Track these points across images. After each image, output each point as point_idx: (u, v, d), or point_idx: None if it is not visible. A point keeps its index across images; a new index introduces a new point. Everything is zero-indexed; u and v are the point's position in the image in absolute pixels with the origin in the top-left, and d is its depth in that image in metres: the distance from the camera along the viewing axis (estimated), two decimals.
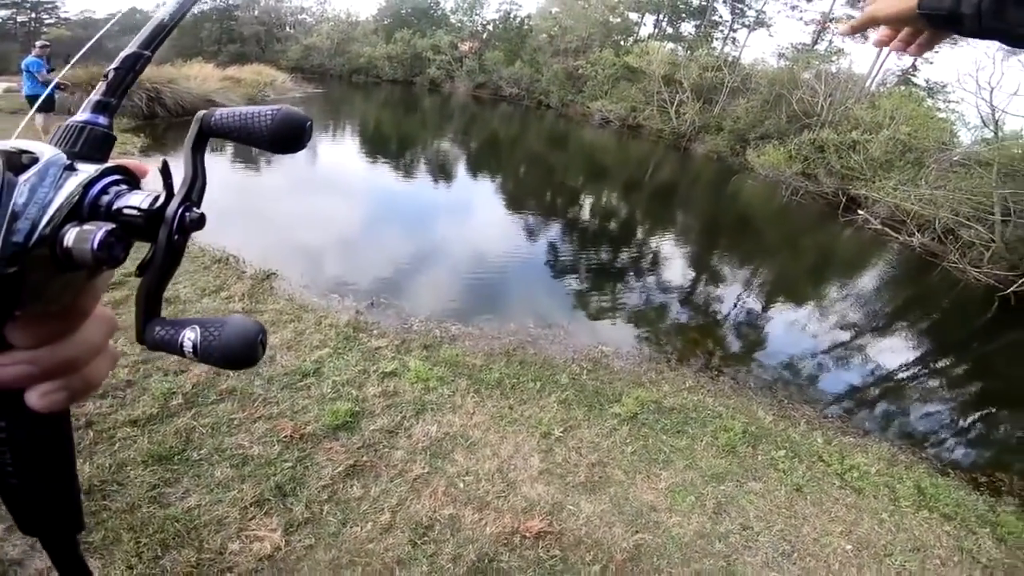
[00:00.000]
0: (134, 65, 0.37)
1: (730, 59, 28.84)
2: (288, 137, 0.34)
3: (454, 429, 3.18)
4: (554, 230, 9.87)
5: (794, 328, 7.74)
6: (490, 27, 36.67)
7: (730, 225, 13.82)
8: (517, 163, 16.97)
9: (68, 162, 0.30)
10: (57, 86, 6.90)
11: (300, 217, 7.62)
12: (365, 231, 7.87)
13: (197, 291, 4.24)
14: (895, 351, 7.77)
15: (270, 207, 8.07)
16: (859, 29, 0.59)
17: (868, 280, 11.83)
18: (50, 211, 0.28)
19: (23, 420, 0.32)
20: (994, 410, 6.57)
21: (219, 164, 9.82)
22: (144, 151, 9.12)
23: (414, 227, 8.50)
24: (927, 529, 3.25)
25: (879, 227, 14.79)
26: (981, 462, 4.91)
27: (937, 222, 13.33)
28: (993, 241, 12.07)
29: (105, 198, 0.31)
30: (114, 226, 0.28)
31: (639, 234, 11.35)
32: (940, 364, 7.99)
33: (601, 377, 4.23)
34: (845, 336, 7.92)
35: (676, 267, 9.31)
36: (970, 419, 6.06)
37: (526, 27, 35.36)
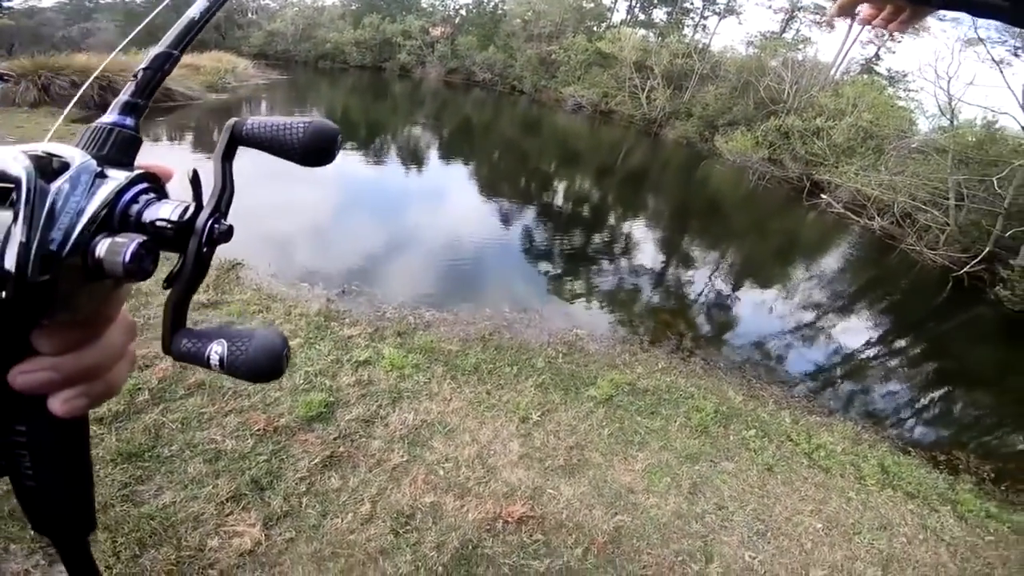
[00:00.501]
0: (163, 65, 0.37)
1: (700, 46, 29.12)
2: (320, 150, 0.34)
3: (431, 416, 3.17)
4: (528, 215, 9.90)
5: (762, 309, 8.02)
6: (463, 12, 36.00)
7: (699, 210, 14.11)
8: (490, 149, 16.84)
9: (99, 168, 0.30)
10: (0, 77, 6.46)
11: (267, 206, 7.25)
12: (335, 219, 7.67)
13: (158, 283, 4.06)
14: (856, 331, 8.13)
15: (235, 195, 7.77)
16: (846, 8, 0.60)
17: (831, 262, 12.32)
18: (83, 220, 0.28)
19: (44, 424, 0.32)
20: (950, 388, 6.98)
21: (178, 152, 9.40)
22: None
23: (386, 214, 8.37)
24: (892, 507, 3.42)
25: (841, 211, 15.35)
26: (939, 440, 5.20)
27: (896, 206, 13.91)
28: (948, 225, 12.69)
29: (135, 207, 0.31)
30: (145, 238, 0.29)
31: (611, 219, 11.46)
32: (898, 344, 8.40)
33: (576, 360, 4.29)
34: (809, 317, 8.25)
35: (648, 251, 9.48)
36: (927, 398, 6.41)
37: (500, 12, 34.85)
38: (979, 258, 11.31)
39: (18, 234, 0.26)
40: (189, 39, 0.39)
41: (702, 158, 21.39)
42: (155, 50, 0.38)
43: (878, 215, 14.54)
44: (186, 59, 15.99)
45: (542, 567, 2.42)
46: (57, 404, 0.31)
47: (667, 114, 26.16)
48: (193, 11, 0.39)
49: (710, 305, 7.43)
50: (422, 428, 3.06)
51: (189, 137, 10.34)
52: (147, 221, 0.30)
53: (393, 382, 3.41)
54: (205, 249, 0.32)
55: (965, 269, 11.33)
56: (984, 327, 9.98)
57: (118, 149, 0.33)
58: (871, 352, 7.52)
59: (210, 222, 0.32)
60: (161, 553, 2.02)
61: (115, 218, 0.30)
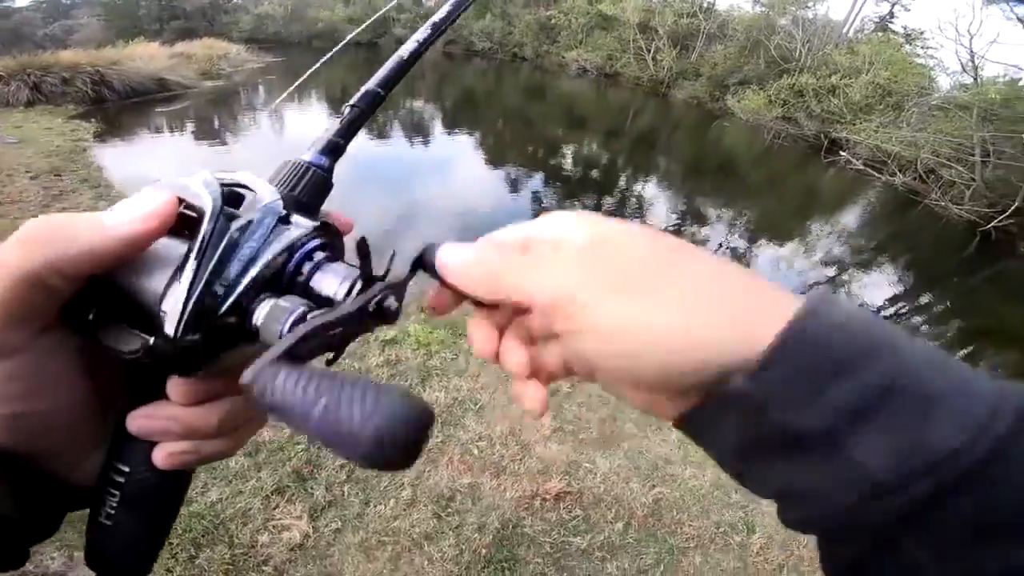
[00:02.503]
0: (372, 104, 0.38)
1: (705, 5, 27.99)
2: None
3: (462, 394, 3.13)
4: (537, 181, 9.77)
5: (782, 266, 7.95)
6: None
7: (713, 168, 13.81)
8: (495, 117, 16.45)
9: (284, 212, 0.27)
10: None
11: None
12: (345, 195, 7.41)
13: None
14: (881, 285, 7.99)
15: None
16: None
17: (852, 218, 12.10)
18: (251, 273, 0.25)
19: (146, 471, 0.29)
20: (984, 347, 6.81)
21: (185, 145, 9.29)
22: (99, 136, 8.41)
23: (396, 189, 8.22)
24: None
25: (861, 167, 14.96)
26: None
27: (919, 163, 13.47)
28: (974, 180, 12.30)
29: (307, 265, 0.27)
30: (308, 309, 0.25)
31: (623, 181, 11.22)
32: (925, 299, 8.21)
33: None
34: (832, 272, 8.13)
35: (662, 210, 9.42)
36: (959, 356, 6.24)
37: None
38: (1007, 213, 10.98)
39: (186, 280, 0.23)
40: (397, 80, 0.40)
41: (714, 118, 20.89)
42: (365, 87, 0.38)
43: (900, 171, 14.13)
44: (178, 47, 15.74)
45: (583, 543, 2.40)
46: (162, 455, 0.28)
47: (675, 75, 25.42)
48: (403, 51, 0.41)
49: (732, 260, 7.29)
50: (454, 407, 3.02)
51: (191, 128, 10.15)
52: (313, 288, 0.27)
53: (421, 360, 3.37)
54: (368, 324, 0.27)
55: (993, 223, 11.02)
56: (1014, 281, 9.71)
57: (310, 191, 0.32)
58: (898, 307, 7.38)
59: (380, 298, 0.27)
60: (216, 552, 2.02)
61: (285, 275, 0.27)
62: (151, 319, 0.24)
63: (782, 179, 14.52)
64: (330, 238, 0.30)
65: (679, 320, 0.22)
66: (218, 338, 0.25)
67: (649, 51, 25.92)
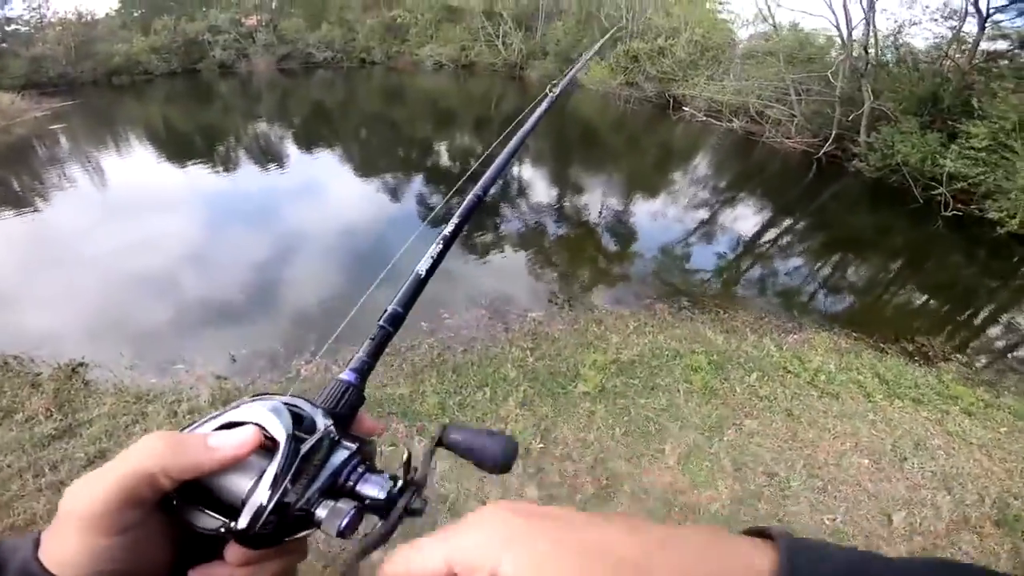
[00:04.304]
0: (396, 324, 0.45)
1: None
2: (511, 461, 0.37)
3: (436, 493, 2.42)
4: (417, 183, 9.25)
5: (658, 218, 8.38)
6: None
7: (577, 139, 14.23)
8: (355, 127, 15.13)
9: (336, 437, 0.35)
10: None
11: (99, 265, 5.53)
12: (195, 263, 5.86)
13: None
14: (749, 216, 8.81)
15: (50, 265, 5.66)
16: None
17: (708, 163, 13.25)
18: (316, 485, 0.33)
19: None
20: (847, 252, 7.52)
21: None
22: None
23: (260, 224, 7.00)
24: (910, 419, 3.35)
25: (704, 119, 16.34)
26: (895, 324, 5.32)
27: (750, 107, 14.94)
28: (795, 116, 13.92)
29: (353, 476, 0.34)
30: (359, 507, 0.33)
31: (514, 169, 10.86)
32: (788, 222, 8.96)
33: (547, 352, 3.69)
34: (704, 214, 8.73)
35: (542, 187, 9.30)
36: (873, 287, 6.68)
37: None
38: (829, 140, 12.52)
39: (265, 488, 0.31)
40: (416, 296, 0.46)
41: (568, 93, 21.45)
42: (390, 308, 0.45)
43: (735, 117, 15.62)
44: None
45: None
46: None
47: (525, 56, 26.07)
48: (420, 268, 0.48)
49: (635, 235, 7.29)
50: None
51: None
52: (360, 493, 0.34)
53: None
54: (403, 520, 0.34)
55: (822, 151, 12.51)
56: (853, 195, 11.07)
57: (348, 407, 0.39)
58: (766, 232, 8.09)
59: (411, 501, 0.34)
60: None
61: (337, 484, 0.34)
62: (231, 508, 0.31)
63: (640, 139, 15.35)
64: (367, 455, 0.36)
65: None
66: (287, 526, 0.32)
67: (498, 36, 26.19)
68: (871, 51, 12.46)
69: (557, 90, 1.06)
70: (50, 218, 7.13)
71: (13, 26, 26.69)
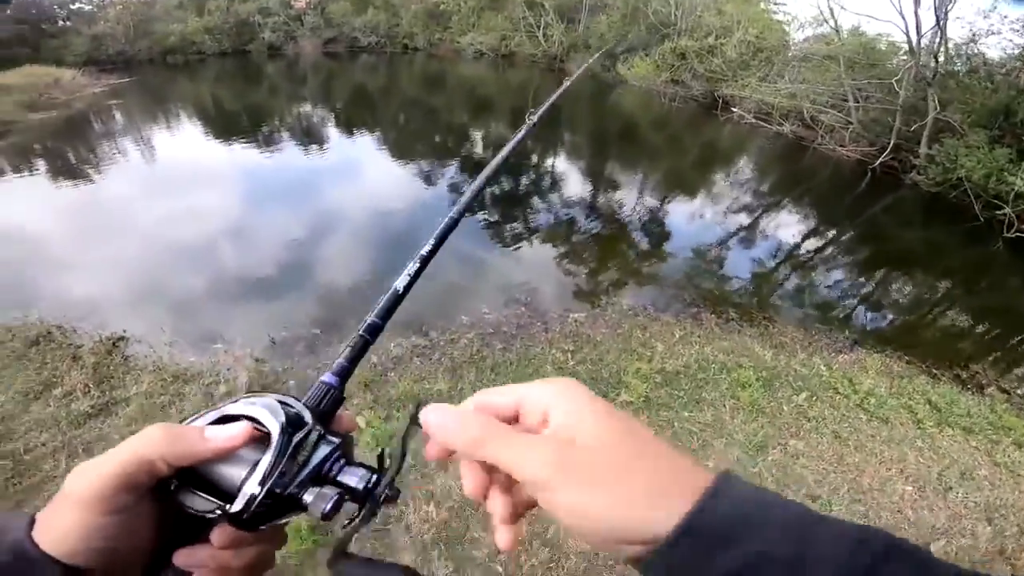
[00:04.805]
0: (374, 333, 0.47)
1: None
2: None
3: (455, 501, 2.37)
4: (451, 170, 9.17)
5: (696, 219, 8.12)
6: None
7: (617, 135, 13.94)
8: (395, 112, 15.21)
9: (322, 432, 0.38)
10: None
11: (145, 236, 5.66)
12: (235, 235, 6.02)
13: (17, 397, 2.85)
14: (792, 224, 8.46)
15: (100, 234, 5.86)
16: None
17: (754, 167, 12.73)
18: (304, 473, 0.36)
19: None
20: (894, 268, 7.16)
21: (18, 186, 7.37)
22: None
23: (299, 203, 7.13)
24: (959, 448, 3.18)
25: (753, 121, 15.76)
26: (948, 349, 5.07)
27: (805, 111, 14.34)
28: (851, 123, 13.28)
29: (335, 467, 0.38)
30: (340, 494, 0.36)
31: (535, 158, 10.63)
32: (833, 232, 8.54)
33: (590, 357, 3.61)
34: (745, 218, 8.39)
35: (576, 181, 9.10)
36: (924, 307, 6.35)
37: None
38: (887, 151, 11.92)
39: (259, 475, 0.34)
40: (393, 309, 0.49)
41: (610, 87, 21.18)
42: (368, 319, 0.48)
43: (785, 120, 15.03)
44: None
45: None
46: None
47: (566, 48, 25.63)
48: (398, 284, 0.51)
49: (698, 245, 6.90)
50: (452, 520, 2.27)
51: (25, 177, 7.89)
52: (342, 482, 0.37)
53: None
54: (379, 508, 0.37)
55: (878, 161, 11.92)
56: (907, 208, 10.52)
57: (330, 407, 0.42)
58: (809, 242, 7.78)
59: (386, 491, 0.38)
60: None
61: (322, 472, 0.37)
62: (226, 494, 0.34)
63: (684, 138, 14.92)
64: (347, 448, 0.39)
65: (622, 512, 0.30)
66: (277, 510, 0.35)
67: (539, 27, 25.78)
68: (940, 59, 11.74)
69: (534, 119, 1.07)
70: (102, 189, 7.44)
71: (78, 4, 27.93)
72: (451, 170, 9.29)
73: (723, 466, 2.34)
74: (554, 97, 1.31)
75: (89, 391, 2.91)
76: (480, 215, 6.79)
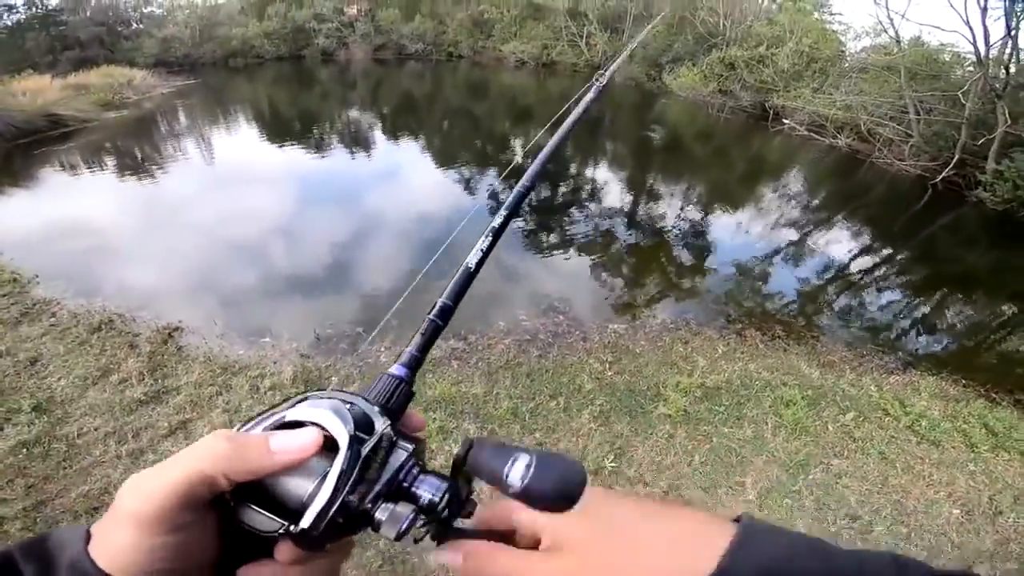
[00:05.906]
0: (446, 317, 0.44)
1: None
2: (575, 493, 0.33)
3: (484, 497, 2.41)
4: (491, 178, 9.23)
5: (741, 233, 7.85)
6: None
7: (661, 146, 13.74)
8: (438, 119, 15.61)
9: (395, 439, 0.35)
10: None
11: (201, 232, 6.03)
12: (285, 234, 6.29)
13: (77, 381, 3.07)
14: (844, 241, 8.06)
15: (161, 229, 6.24)
16: None
17: (805, 180, 12.28)
18: (376, 488, 0.33)
19: None
20: (954, 290, 6.79)
21: (91, 180, 7.95)
22: None
23: (345, 205, 7.40)
24: (1015, 472, 3.01)
25: (806, 133, 15.21)
26: (1018, 380, 4.69)
27: (861, 124, 13.74)
28: (911, 136, 12.63)
29: (409, 477, 0.34)
30: (417, 511, 0.33)
31: (574, 168, 10.64)
32: (889, 251, 8.12)
33: (628, 368, 3.59)
34: (794, 234, 8.10)
35: (615, 191, 9.03)
36: (986, 331, 5.99)
37: None
38: (951, 166, 11.27)
39: (327, 491, 0.31)
40: (465, 289, 0.45)
41: (653, 96, 20.92)
42: (439, 301, 0.44)
43: (840, 133, 14.43)
44: (71, 79, 13.98)
45: None
46: None
47: (608, 58, 25.51)
48: (470, 261, 0.47)
49: (739, 259, 6.73)
50: None
51: (97, 172, 8.43)
52: (416, 494, 0.34)
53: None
54: (456, 520, 0.35)
55: (940, 176, 11.28)
56: (970, 227, 9.91)
57: (399, 403, 0.38)
58: (863, 260, 7.38)
59: (465, 503, 0.36)
60: None
61: (395, 484, 0.34)
62: (291, 512, 0.31)
63: (731, 150, 14.55)
64: (420, 454, 0.36)
65: None
66: (344, 527, 0.32)
67: (581, 36, 25.86)
68: (1011, 70, 11.04)
69: (604, 80, 0.97)
70: (165, 185, 7.93)
71: (150, 8, 29.88)
72: (490, 178, 9.44)
73: (763, 484, 2.29)
74: (626, 53, 1.27)
75: (143, 379, 3.10)
76: (519, 223, 6.85)
